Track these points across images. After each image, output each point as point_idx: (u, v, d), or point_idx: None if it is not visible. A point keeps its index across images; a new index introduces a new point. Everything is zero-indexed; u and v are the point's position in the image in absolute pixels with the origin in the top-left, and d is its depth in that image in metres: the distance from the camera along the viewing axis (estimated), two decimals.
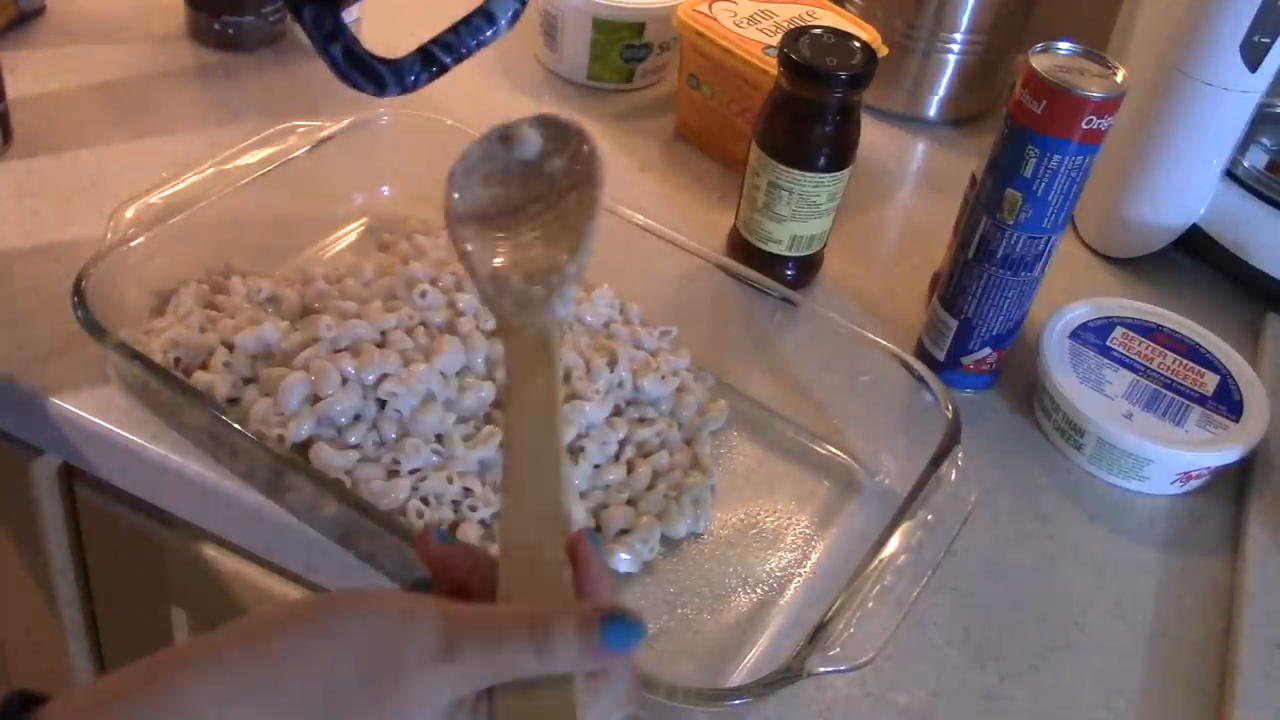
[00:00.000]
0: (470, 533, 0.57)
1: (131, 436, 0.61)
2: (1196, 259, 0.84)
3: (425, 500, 0.57)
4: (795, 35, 0.70)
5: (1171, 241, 0.82)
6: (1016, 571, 0.62)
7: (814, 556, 0.61)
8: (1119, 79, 0.62)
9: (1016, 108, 0.62)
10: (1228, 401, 0.69)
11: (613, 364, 0.64)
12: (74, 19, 0.90)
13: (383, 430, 0.58)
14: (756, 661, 0.56)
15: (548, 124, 0.50)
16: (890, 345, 0.64)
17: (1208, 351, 0.72)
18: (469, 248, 0.47)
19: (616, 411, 0.64)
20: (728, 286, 0.68)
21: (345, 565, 0.57)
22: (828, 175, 0.71)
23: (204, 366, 0.60)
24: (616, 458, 0.62)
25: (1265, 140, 0.82)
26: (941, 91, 0.94)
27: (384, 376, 0.59)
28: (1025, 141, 0.62)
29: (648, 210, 0.71)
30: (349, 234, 0.75)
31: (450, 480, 0.58)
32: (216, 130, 0.81)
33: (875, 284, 0.80)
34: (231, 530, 0.63)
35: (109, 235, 0.62)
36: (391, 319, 0.62)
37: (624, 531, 0.59)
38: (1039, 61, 0.61)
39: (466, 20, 0.54)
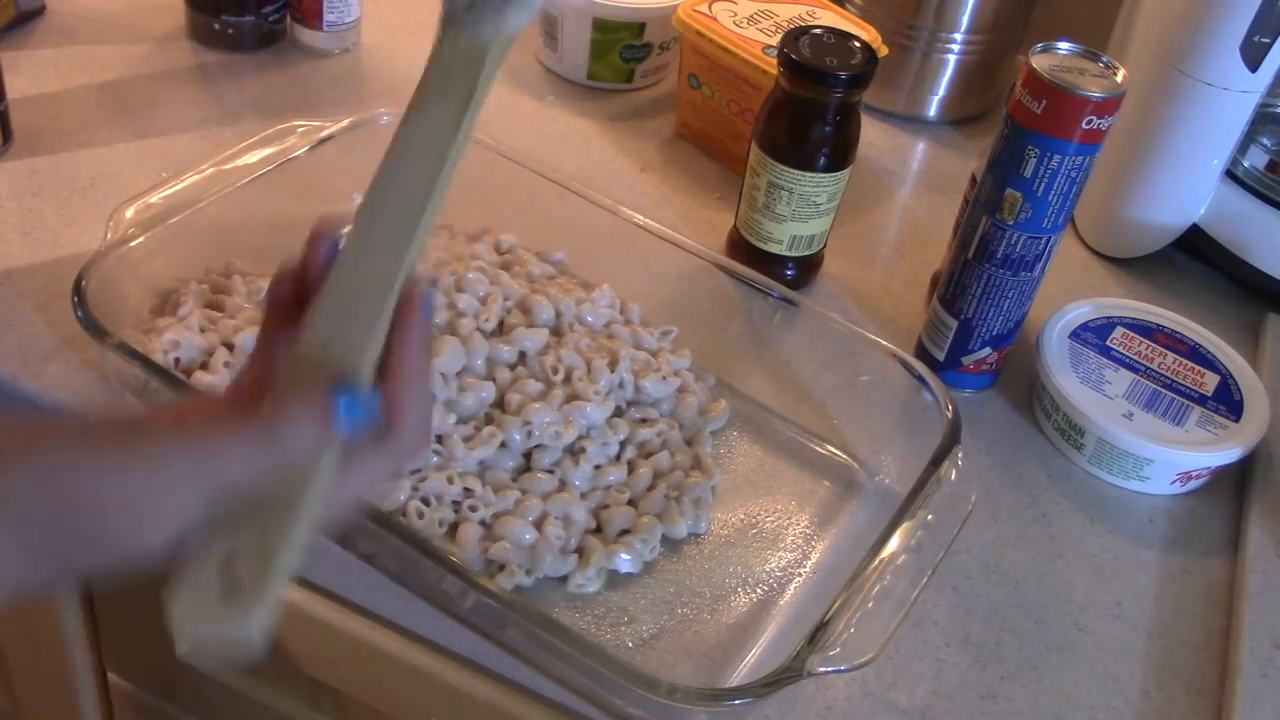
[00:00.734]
0: (470, 533, 0.57)
1: None
2: (1196, 259, 0.84)
3: (425, 500, 0.57)
4: (795, 35, 0.70)
5: (1171, 241, 0.82)
6: (1016, 571, 0.62)
7: (814, 556, 0.61)
8: (1119, 79, 0.62)
9: (1016, 108, 0.62)
10: (1228, 401, 0.69)
11: (614, 365, 0.64)
12: (74, 19, 0.90)
13: None
14: (756, 661, 0.56)
15: None
16: (890, 345, 0.64)
17: (1208, 351, 0.72)
18: None
19: (618, 412, 0.64)
20: (728, 286, 0.68)
21: (345, 565, 0.57)
22: (828, 175, 0.71)
23: (204, 366, 0.60)
24: (617, 458, 0.62)
25: (1265, 140, 0.82)
26: (941, 91, 0.94)
27: None
28: (1025, 141, 0.62)
29: (648, 210, 0.71)
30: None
31: (450, 480, 0.58)
32: (216, 130, 0.81)
33: (875, 284, 0.80)
34: None
35: (109, 235, 0.62)
36: None
37: (625, 532, 0.59)
38: (1039, 61, 0.62)
39: None
